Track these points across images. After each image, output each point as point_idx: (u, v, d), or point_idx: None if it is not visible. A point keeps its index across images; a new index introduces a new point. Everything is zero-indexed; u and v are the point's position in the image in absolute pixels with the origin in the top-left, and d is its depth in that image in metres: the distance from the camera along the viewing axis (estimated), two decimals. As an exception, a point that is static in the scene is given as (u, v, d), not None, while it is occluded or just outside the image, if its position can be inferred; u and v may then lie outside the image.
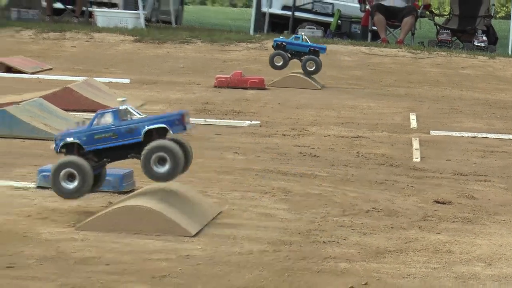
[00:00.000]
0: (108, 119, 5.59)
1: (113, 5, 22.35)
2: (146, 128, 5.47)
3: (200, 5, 47.31)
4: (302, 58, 14.00)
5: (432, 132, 9.99)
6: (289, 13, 21.76)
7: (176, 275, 4.42)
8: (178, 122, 5.55)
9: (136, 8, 21.29)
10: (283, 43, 14.33)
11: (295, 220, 5.75)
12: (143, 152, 5.44)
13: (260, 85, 13.10)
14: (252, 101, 11.80)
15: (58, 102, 9.40)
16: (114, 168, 6.24)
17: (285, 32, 21.22)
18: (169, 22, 23.92)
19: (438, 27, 21.58)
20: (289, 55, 14.15)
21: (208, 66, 15.36)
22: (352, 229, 5.57)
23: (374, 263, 4.77)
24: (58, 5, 22.79)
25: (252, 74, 13.80)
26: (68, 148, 5.51)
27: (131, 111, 5.66)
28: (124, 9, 21.93)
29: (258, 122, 10.13)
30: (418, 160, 8.36)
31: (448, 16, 22.78)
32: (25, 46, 17.41)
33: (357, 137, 9.38)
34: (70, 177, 5.45)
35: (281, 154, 8.28)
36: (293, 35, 14.76)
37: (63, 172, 5.47)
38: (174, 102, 11.45)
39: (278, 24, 22.00)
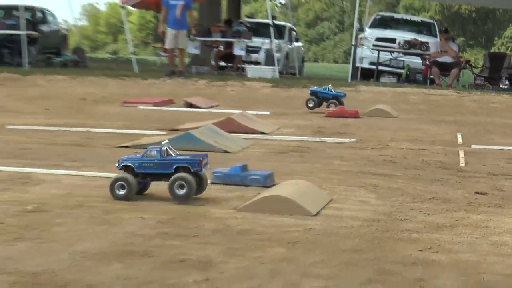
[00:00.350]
0: (154, 153, 6.68)
1: (258, 63, 23.95)
2: (175, 165, 6.57)
3: (313, 62, 49.52)
4: (327, 102, 15.29)
5: (473, 146, 10.79)
6: (374, 67, 23.40)
7: (303, 242, 5.14)
8: (197, 165, 6.55)
9: (273, 65, 22.72)
10: (315, 91, 15.67)
11: (381, 205, 6.49)
12: (170, 180, 6.49)
13: (355, 115, 14.11)
14: (350, 126, 12.61)
15: (223, 127, 10.31)
16: (261, 170, 7.38)
17: (371, 80, 23.35)
18: (294, 74, 25.91)
19: (474, 75, 24.38)
20: (319, 99, 15.44)
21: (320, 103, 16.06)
22: (419, 211, 6.33)
23: (435, 234, 5.51)
24: (222, 64, 24.54)
25: (350, 108, 14.68)
26: (126, 168, 6.64)
27: (169, 151, 6.70)
28: (265, 65, 23.49)
29: (355, 139, 10.86)
30: (463, 165, 9.11)
31: (481, 67, 25.99)
32: (201, 90, 18.55)
33: (421, 149, 10.13)
34: (122, 187, 6.55)
35: (370, 161, 8.99)
36: (324, 86, 15.79)
37: (117, 183, 6.57)
38: (299, 127, 12.36)
39: (367, 74, 23.49)
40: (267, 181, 7.04)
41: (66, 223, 5.50)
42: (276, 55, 23.50)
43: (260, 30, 25.61)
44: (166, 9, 21.22)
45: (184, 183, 6.48)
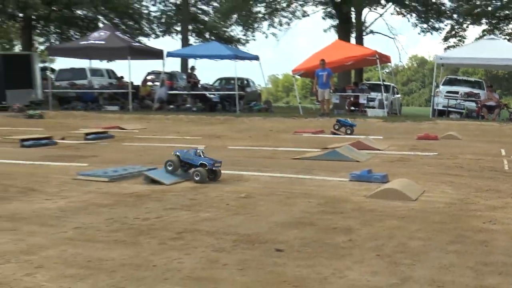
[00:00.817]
0: (191, 152, 6.94)
1: (374, 107, 23.77)
2: (200, 161, 6.80)
3: (406, 106, 47.48)
4: (345, 127, 14.86)
5: None
6: (445, 109, 23.28)
7: (408, 216, 5.05)
8: (211, 165, 6.79)
9: (383, 108, 22.57)
10: (340, 120, 15.30)
11: (455, 194, 6.24)
12: (192, 170, 6.79)
13: (435, 138, 13.24)
14: (433, 145, 12.03)
15: (355, 146, 10.16)
16: (379, 173, 7.19)
17: (443, 116, 22.29)
18: (396, 113, 25.20)
19: (510, 113, 22.52)
20: (341, 125, 15.02)
21: (413, 131, 15.62)
22: (481, 198, 6.03)
23: (493, 213, 5.32)
24: (352, 108, 24.28)
25: (431, 133, 14.01)
26: (177, 156, 6.92)
27: (201, 153, 6.95)
28: (378, 109, 23.33)
29: (436, 153, 10.32)
30: (507, 168, 8.57)
31: (514, 108, 24.39)
32: None
33: (478, 159, 9.56)
34: (170, 165, 6.87)
35: (447, 166, 8.48)
36: (346, 119, 15.94)
37: (168, 163, 6.89)
38: (401, 146, 11.80)
39: (441, 113, 22.79)
40: (384, 179, 6.86)
41: (264, 204, 5.53)
42: (385, 102, 23.24)
43: (375, 88, 25.42)
44: (316, 77, 21.53)
45: (199, 173, 6.73)
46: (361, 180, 6.90)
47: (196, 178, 6.74)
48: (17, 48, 42.49)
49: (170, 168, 6.95)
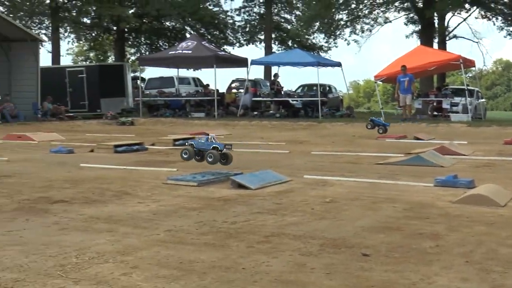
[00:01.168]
0: (203, 139, 7.91)
1: (457, 112, 22.94)
2: (212, 146, 7.62)
3: (490, 111, 44.14)
4: (378, 127, 15.15)
5: None
6: None
7: (497, 223, 4.85)
8: (223, 147, 7.59)
9: (467, 113, 21.92)
10: (373, 119, 15.54)
11: None
12: (206, 153, 7.61)
13: None
14: None
15: (439, 151, 9.91)
16: (465, 178, 6.91)
17: None
18: (481, 118, 24.36)
19: None
20: (373, 124, 15.32)
21: (499, 136, 15.00)
22: None
23: None
24: (435, 113, 23.65)
25: None
26: (191, 145, 7.79)
27: (213, 139, 7.75)
28: (462, 113, 22.54)
29: None
30: None
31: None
32: (423, 129, 17.77)
33: None
34: (185, 154, 7.81)
35: None
36: (379, 118, 16.29)
37: (183, 151, 7.83)
38: (486, 151, 11.38)
39: None
40: (470, 185, 6.63)
41: (349, 209, 5.47)
42: (469, 107, 22.53)
43: (458, 92, 24.70)
44: (398, 83, 21.32)
45: (212, 155, 7.55)
46: (447, 185, 6.70)
47: (210, 159, 7.59)
48: (110, 59, 44.38)
49: (185, 156, 7.83)
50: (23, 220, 4.93)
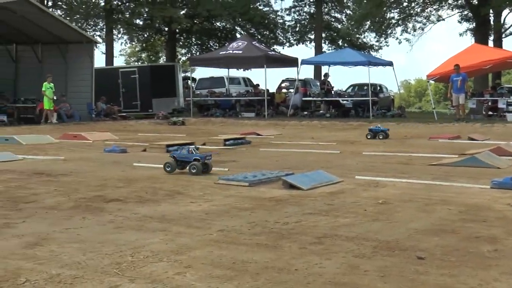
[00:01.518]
0: (184, 151, 7.99)
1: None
2: (193, 157, 7.80)
3: None
4: (378, 134, 14.83)
5: None
6: None
7: None
8: (203, 158, 7.80)
9: None
10: (371, 129, 15.21)
11: None
12: (189, 166, 7.80)
13: None
14: None
15: (495, 152, 9.68)
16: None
17: None
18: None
19: None
20: (373, 133, 14.93)
21: None
22: None
23: None
24: (490, 113, 22.81)
25: None
26: (173, 157, 7.96)
27: (194, 150, 7.95)
28: None
29: None
30: None
31: None
32: (477, 129, 17.05)
33: None
34: (168, 167, 7.96)
35: None
36: (377, 125, 15.75)
37: (166, 164, 7.99)
38: None
39: None
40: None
41: (402, 211, 5.39)
42: (527, 106, 21.96)
43: (516, 91, 24.09)
44: (451, 82, 20.91)
45: (195, 166, 7.77)
46: (504, 187, 6.52)
47: (193, 171, 7.77)
48: (162, 60, 44.93)
49: (168, 169, 7.96)
50: (80, 218, 5.05)
